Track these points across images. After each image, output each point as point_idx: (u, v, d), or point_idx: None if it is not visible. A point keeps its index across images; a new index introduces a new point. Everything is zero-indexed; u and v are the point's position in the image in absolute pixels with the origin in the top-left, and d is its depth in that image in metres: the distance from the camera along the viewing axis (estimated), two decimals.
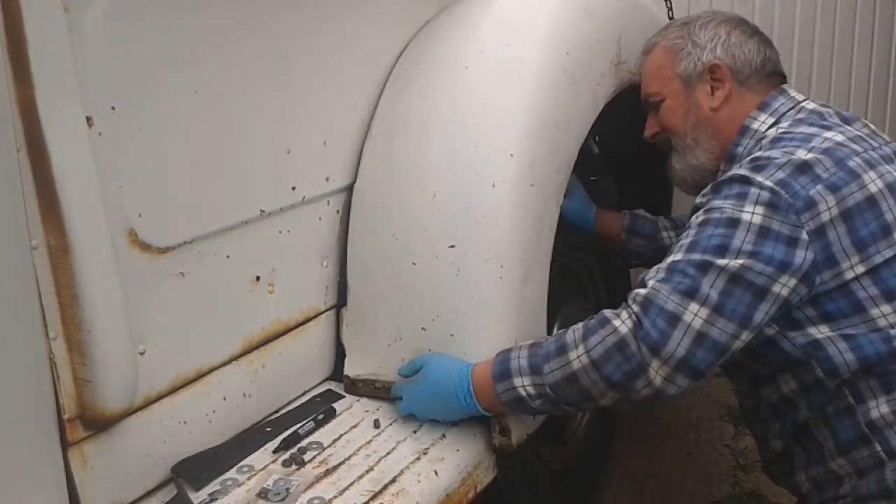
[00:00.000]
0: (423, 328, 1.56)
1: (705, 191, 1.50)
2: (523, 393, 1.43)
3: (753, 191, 1.39)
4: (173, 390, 1.35)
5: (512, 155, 1.54)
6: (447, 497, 1.39)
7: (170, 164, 1.29)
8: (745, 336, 1.38)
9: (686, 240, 1.43)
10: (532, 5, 1.74)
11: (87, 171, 1.14)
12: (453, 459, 1.44)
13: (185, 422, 1.37)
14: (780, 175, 1.40)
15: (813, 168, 1.40)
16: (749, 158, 1.49)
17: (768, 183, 1.39)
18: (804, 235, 1.37)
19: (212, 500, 1.32)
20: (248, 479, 1.37)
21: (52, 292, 1.14)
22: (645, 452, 2.57)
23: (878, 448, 1.42)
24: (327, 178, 1.62)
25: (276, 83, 1.47)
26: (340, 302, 1.68)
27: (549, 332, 1.69)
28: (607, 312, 1.41)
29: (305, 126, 1.54)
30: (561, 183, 1.66)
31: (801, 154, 1.42)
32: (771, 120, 1.58)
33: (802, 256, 1.37)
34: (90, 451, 1.22)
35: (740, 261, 1.36)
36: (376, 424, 1.52)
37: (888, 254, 1.41)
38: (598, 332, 1.39)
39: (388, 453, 1.43)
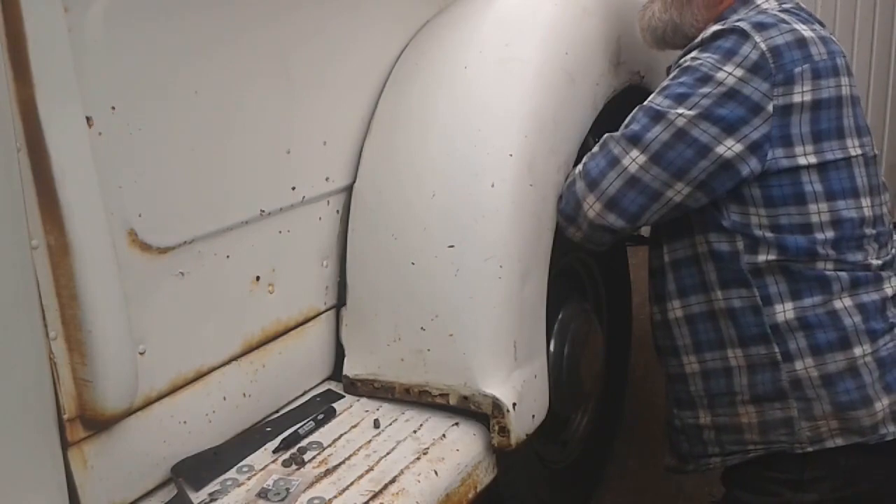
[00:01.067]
0: (422, 328, 1.56)
1: (705, 37, 1.52)
2: None
3: (745, 49, 1.45)
4: (173, 390, 1.35)
5: (511, 155, 1.54)
6: (447, 497, 1.39)
7: (170, 164, 1.29)
8: (680, 187, 1.49)
9: (663, 83, 1.53)
10: (532, 4, 1.74)
11: (87, 171, 1.14)
12: (453, 459, 1.44)
13: (185, 422, 1.37)
14: (779, 41, 1.46)
15: (809, 47, 1.47)
16: (756, 10, 1.55)
17: (763, 45, 1.45)
18: (769, 107, 1.45)
19: (212, 500, 1.32)
20: (248, 479, 1.37)
21: (52, 292, 1.14)
22: (645, 452, 2.57)
23: (777, 349, 1.50)
24: (327, 178, 1.62)
25: (276, 83, 1.47)
26: (340, 302, 1.68)
27: (549, 333, 1.70)
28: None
29: (305, 126, 1.54)
30: (560, 183, 1.66)
31: (803, 29, 1.49)
32: (775, 3, 1.58)
33: (757, 126, 1.44)
34: (90, 451, 1.22)
35: (690, 114, 1.45)
36: (376, 424, 1.52)
37: (839, 154, 1.49)
38: (572, 173, 1.60)
39: (388, 453, 1.43)
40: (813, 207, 1.49)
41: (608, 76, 1.79)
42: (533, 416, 1.58)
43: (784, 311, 1.50)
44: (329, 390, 1.65)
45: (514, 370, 1.54)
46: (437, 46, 1.73)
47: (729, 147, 1.45)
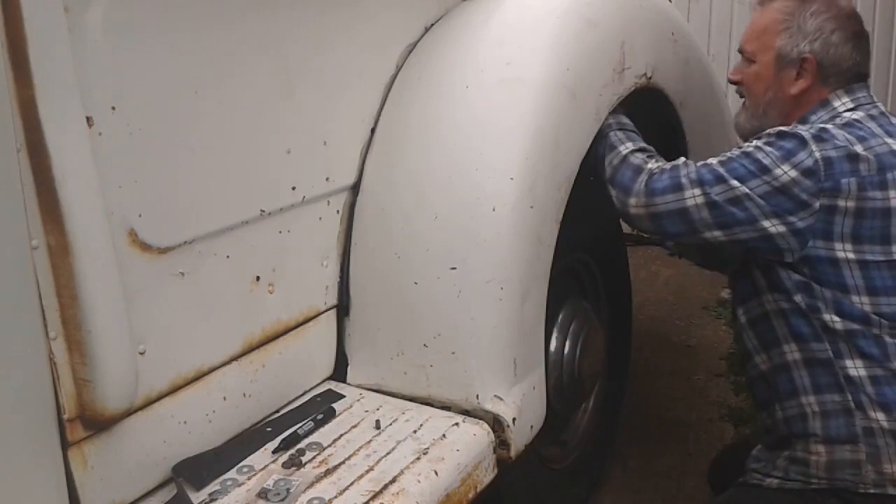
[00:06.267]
0: (424, 345, 1.58)
1: (770, 132, 1.67)
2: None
3: (802, 154, 1.60)
4: (173, 390, 1.35)
5: (512, 178, 1.55)
6: (447, 497, 1.39)
7: (170, 164, 1.29)
8: (717, 234, 1.67)
9: (730, 153, 1.68)
10: (533, 19, 1.73)
11: (88, 171, 1.14)
12: (453, 459, 1.44)
13: (185, 422, 1.37)
14: (832, 154, 1.60)
15: (859, 163, 1.60)
16: (820, 126, 1.67)
17: (818, 154, 1.59)
18: (816, 205, 1.59)
19: (212, 500, 1.32)
20: (248, 479, 1.37)
21: (52, 292, 1.14)
22: (645, 452, 2.57)
23: (850, 398, 1.62)
24: (327, 178, 1.62)
25: (276, 83, 1.47)
26: (341, 302, 1.68)
27: (546, 343, 1.74)
28: (679, 163, 1.71)
29: (305, 126, 1.54)
30: (561, 200, 1.66)
31: (858, 148, 1.61)
32: (850, 104, 1.73)
33: (802, 217, 1.60)
34: (90, 451, 1.22)
35: (746, 191, 1.61)
36: (377, 425, 1.52)
37: (879, 258, 1.61)
38: (642, 157, 1.73)
39: (388, 453, 1.43)
40: (855, 298, 1.61)
41: (612, 85, 1.78)
42: (531, 427, 1.60)
43: (855, 367, 1.61)
44: (329, 390, 1.65)
45: (514, 385, 1.57)
46: (438, 62, 1.72)
47: (773, 224, 1.61)
